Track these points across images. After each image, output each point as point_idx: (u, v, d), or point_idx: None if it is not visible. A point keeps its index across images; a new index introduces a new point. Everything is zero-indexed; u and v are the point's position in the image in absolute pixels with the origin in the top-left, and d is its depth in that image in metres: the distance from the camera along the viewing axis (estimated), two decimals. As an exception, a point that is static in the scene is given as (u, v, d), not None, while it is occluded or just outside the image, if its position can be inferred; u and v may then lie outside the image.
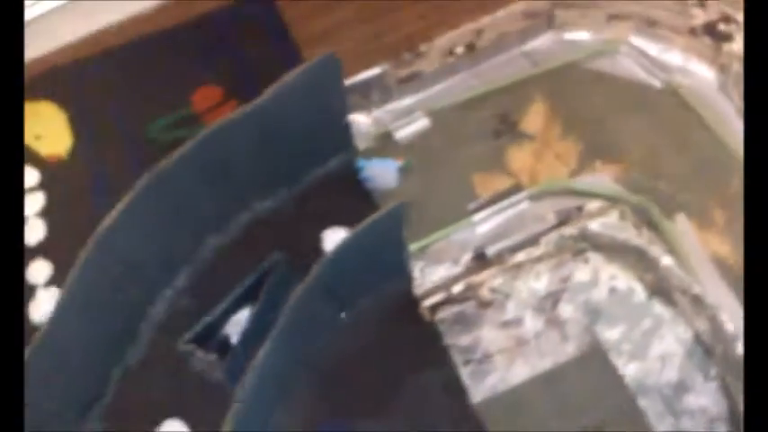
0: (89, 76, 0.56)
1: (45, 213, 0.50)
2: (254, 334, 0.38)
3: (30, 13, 0.57)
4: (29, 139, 0.53)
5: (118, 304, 0.42)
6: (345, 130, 0.51)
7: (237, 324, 0.43)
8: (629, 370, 0.45)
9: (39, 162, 0.53)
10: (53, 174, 0.52)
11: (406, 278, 0.46)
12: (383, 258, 0.45)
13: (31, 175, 0.52)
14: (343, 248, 0.40)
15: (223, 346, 0.42)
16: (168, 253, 0.45)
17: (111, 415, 0.44)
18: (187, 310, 0.46)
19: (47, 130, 0.54)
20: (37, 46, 0.57)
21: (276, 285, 0.41)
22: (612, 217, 0.48)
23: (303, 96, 0.45)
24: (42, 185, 0.51)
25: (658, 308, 0.46)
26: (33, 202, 0.51)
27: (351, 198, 0.49)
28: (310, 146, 0.49)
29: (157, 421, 0.43)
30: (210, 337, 0.42)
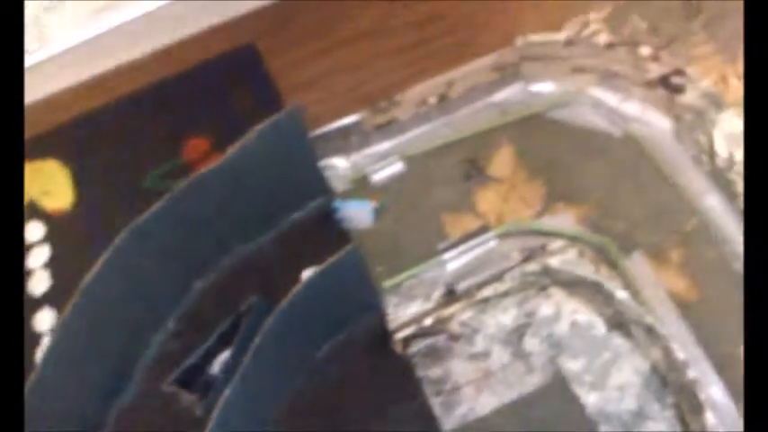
0: (87, 132, 0.60)
1: (50, 264, 0.54)
2: (231, 375, 0.41)
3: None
4: (37, 195, 0.57)
5: (109, 350, 0.45)
6: (319, 175, 0.53)
7: (223, 364, 0.46)
8: (591, 399, 0.47)
9: (44, 216, 0.56)
10: (58, 227, 0.56)
11: (379, 314, 0.49)
12: (351, 297, 0.47)
13: (38, 229, 0.55)
14: (297, 298, 0.43)
15: (208, 386, 0.44)
16: (157, 298, 0.48)
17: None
18: (176, 351, 0.48)
19: (52, 185, 0.57)
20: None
21: (251, 328, 0.44)
22: (571, 254, 0.51)
23: (269, 149, 0.47)
24: (48, 238, 0.55)
25: (617, 340, 0.49)
26: (39, 255, 0.54)
27: (329, 239, 0.51)
28: (285, 192, 0.51)
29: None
30: (196, 378, 0.45)
